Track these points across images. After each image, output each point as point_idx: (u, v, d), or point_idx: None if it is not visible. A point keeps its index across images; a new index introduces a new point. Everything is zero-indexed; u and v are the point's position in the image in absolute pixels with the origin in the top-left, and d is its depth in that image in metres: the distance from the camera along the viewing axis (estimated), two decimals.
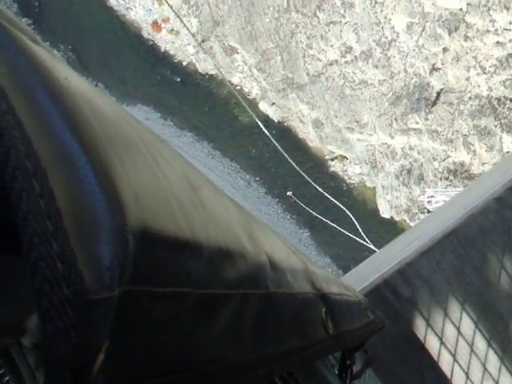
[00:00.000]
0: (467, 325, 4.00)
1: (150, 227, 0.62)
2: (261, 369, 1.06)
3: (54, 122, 0.57)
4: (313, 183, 17.23)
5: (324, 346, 1.54)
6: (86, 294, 0.52)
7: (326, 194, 18.45)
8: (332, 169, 23.43)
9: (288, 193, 22.77)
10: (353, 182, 23.23)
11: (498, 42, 17.64)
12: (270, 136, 12.88)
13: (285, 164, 22.89)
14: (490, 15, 17.43)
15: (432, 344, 3.92)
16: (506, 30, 17.33)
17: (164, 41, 25.84)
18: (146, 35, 26.08)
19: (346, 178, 23.28)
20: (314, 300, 1.50)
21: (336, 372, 2.27)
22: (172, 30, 25.33)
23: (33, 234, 0.52)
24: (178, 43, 25.45)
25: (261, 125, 12.89)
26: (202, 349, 0.81)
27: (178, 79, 25.55)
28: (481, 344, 4.02)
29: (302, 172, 15.34)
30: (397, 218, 21.55)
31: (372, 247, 16.06)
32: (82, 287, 0.52)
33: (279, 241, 1.42)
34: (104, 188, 0.56)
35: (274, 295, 1.12)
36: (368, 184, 22.68)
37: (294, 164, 14.12)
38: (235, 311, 0.91)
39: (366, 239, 16.93)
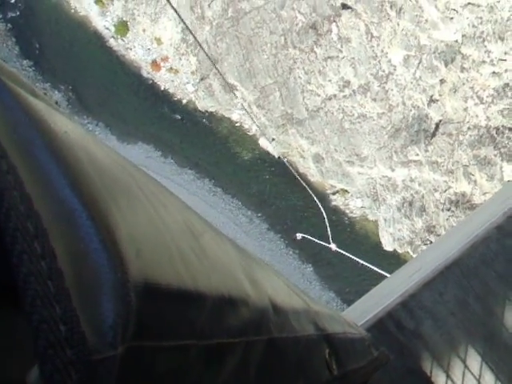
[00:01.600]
0: (473, 357, 3.95)
1: (152, 281, 0.62)
2: None
3: (55, 180, 0.56)
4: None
5: None
6: (89, 355, 0.52)
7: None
8: (334, 203, 23.44)
9: (297, 236, 21.72)
10: (355, 215, 23.22)
11: (494, 73, 17.77)
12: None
13: (286, 200, 22.95)
14: (485, 46, 17.58)
15: (438, 377, 3.87)
16: (501, 60, 17.47)
17: (163, 79, 26.08)
18: (145, 74, 26.34)
19: (347, 211, 23.27)
20: (317, 341, 1.49)
21: None
22: (171, 68, 25.58)
23: (35, 297, 0.51)
24: (178, 81, 25.67)
25: None
26: None
27: (178, 117, 25.72)
28: (488, 376, 3.96)
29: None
30: (400, 251, 21.48)
31: (384, 273, 15.94)
32: (85, 348, 0.51)
33: (281, 282, 1.42)
34: (105, 245, 0.56)
35: (277, 340, 1.11)
36: (370, 217, 22.67)
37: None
38: (239, 359, 0.90)
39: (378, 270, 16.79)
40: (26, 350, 0.56)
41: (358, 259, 16.50)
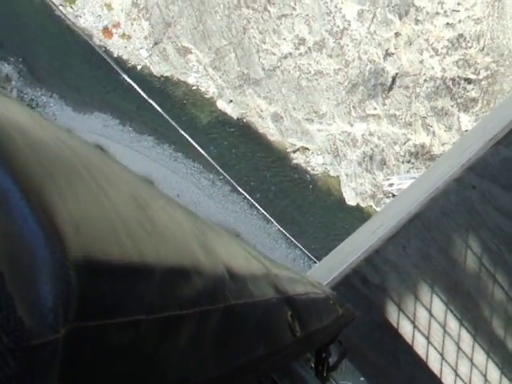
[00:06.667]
0: (438, 306, 4.03)
1: (94, 258, 0.59)
2: (229, 383, 1.04)
3: None
4: None
5: (293, 349, 1.51)
6: (28, 340, 0.49)
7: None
8: (295, 161, 23.47)
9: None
10: (316, 172, 23.30)
11: (447, 24, 17.84)
12: None
13: (248, 160, 22.92)
14: None
15: (405, 328, 3.94)
16: (454, 11, 17.53)
17: (116, 46, 25.62)
18: (97, 42, 25.84)
19: (309, 169, 23.34)
20: (278, 304, 1.46)
21: (312, 366, 2.27)
22: (123, 34, 25.14)
23: None
24: (131, 47, 25.27)
25: None
26: (163, 372, 0.78)
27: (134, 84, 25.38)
28: (453, 324, 4.05)
29: None
30: (363, 205, 21.71)
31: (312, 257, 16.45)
32: (23, 334, 0.49)
33: (237, 246, 1.38)
34: (41, 225, 0.53)
35: (235, 307, 1.08)
36: (332, 173, 22.79)
37: None
38: (194, 330, 0.88)
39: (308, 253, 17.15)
40: None
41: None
